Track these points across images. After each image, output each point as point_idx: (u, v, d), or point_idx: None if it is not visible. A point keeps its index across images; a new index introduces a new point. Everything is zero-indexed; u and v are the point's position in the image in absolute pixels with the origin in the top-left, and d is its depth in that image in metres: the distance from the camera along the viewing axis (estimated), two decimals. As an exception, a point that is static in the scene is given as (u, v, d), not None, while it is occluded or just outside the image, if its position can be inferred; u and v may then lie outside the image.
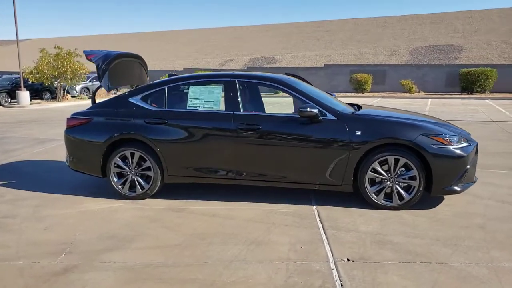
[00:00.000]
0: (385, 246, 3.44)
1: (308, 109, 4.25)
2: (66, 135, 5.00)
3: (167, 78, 5.01)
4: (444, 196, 4.60)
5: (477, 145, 4.46)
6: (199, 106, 4.67)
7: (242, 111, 4.52)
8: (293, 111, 4.98)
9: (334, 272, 3.02)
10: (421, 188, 4.18)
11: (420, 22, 48.45)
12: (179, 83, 4.87)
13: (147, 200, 4.75)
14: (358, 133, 4.21)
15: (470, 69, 22.22)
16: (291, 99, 5.08)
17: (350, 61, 36.62)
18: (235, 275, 3.01)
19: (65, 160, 5.34)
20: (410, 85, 22.65)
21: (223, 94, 4.65)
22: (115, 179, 4.78)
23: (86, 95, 23.97)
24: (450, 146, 4.14)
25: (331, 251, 3.36)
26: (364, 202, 4.41)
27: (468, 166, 4.20)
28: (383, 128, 4.23)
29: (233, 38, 55.36)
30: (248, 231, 3.82)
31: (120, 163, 4.73)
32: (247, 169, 4.52)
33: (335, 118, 4.34)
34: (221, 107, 4.62)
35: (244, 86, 4.88)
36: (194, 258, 3.30)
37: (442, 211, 4.25)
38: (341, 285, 2.84)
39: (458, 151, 4.14)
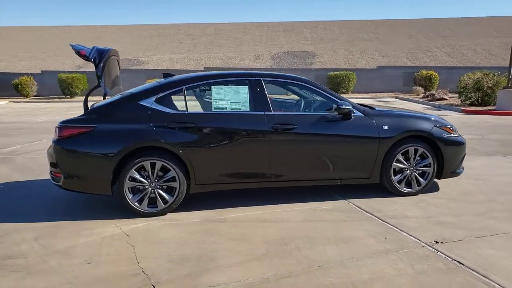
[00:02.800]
0: (447, 226, 3.85)
1: (344, 106, 4.41)
2: (59, 147, 4.11)
3: (179, 78, 4.54)
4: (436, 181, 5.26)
5: None
6: (226, 108, 4.38)
7: (272, 111, 4.42)
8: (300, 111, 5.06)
9: (441, 254, 3.27)
10: (434, 174, 4.74)
11: (275, 29, 52.35)
12: (199, 83, 4.48)
13: (171, 215, 4.25)
14: (386, 127, 4.55)
15: (336, 72, 25.11)
16: (295, 100, 5.16)
17: (218, 65, 37.46)
18: (363, 272, 3.01)
19: (52, 179, 4.36)
20: (286, 87, 24.42)
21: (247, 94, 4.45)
22: (130, 196, 4.14)
23: None
24: (454, 135, 4.80)
25: (414, 237, 3.60)
26: (381, 192, 4.79)
27: (465, 151, 4.93)
28: (405, 122, 4.66)
29: (92, 39, 50.94)
30: (318, 231, 3.80)
31: (137, 176, 4.12)
32: (283, 170, 4.44)
33: (362, 115, 4.59)
34: (248, 107, 4.42)
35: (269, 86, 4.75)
36: (301, 264, 3.16)
37: (450, 193, 4.88)
38: (462, 264, 3.09)
39: (460, 139, 4.83)
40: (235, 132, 4.29)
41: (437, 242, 3.48)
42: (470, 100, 16.13)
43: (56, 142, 4.12)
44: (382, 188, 4.87)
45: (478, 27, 48.94)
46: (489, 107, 15.17)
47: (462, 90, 16.29)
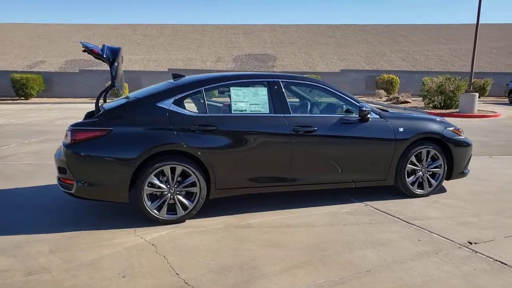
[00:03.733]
0: (471, 227, 3.94)
1: (365, 108, 4.41)
2: (72, 152, 3.79)
3: (197, 79, 4.34)
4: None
5: None
6: (245, 110, 4.24)
7: (292, 113, 4.33)
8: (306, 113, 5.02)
9: (480, 255, 3.33)
10: (444, 175, 4.86)
11: (234, 32, 52.27)
12: (217, 84, 4.31)
13: (192, 222, 4.05)
14: (401, 129, 4.60)
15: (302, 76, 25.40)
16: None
17: (179, 67, 36.84)
18: (413, 275, 3.00)
19: (61, 186, 4.00)
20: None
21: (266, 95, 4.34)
22: (149, 203, 3.89)
23: None
24: (462, 136, 4.95)
25: (447, 238, 3.64)
26: (392, 194, 4.86)
27: (471, 153, 5.10)
28: (419, 125, 4.74)
29: (34, 37, 48.36)
30: (349, 235, 3.76)
31: (156, 182, 3.89)
32: (303, 174, 4.37)
33: (379, 117, 4.62)
34: (268, 109, 4.31)
35: (287, 88, 4.64)
36: (348, 269, 3.10)
37: (458, 194, 5.02)
38: (505, 264, 3.16)
39: (467, 140, 4.98)
40: (256, 135, 4.16)
41: (470, 243, 3.55)
42: (433, 103, 16.88)
43: (69, 146, 3.80)
44: (392, 190, 4.93)
45: (428, 34, 51.52)
46: (452, 110, 15.94)
47: (426, 93, 17.02)
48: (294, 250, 3.44)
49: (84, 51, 4.40)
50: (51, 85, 24.50)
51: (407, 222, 4.05)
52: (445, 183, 5.33)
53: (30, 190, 5.13)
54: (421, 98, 18.78)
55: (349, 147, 4.47)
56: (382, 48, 45.88)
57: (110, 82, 4.84)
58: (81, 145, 3.78)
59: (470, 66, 15.65)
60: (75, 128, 3.83)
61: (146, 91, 4.37)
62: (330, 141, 4.40)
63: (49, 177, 5.73)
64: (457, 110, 15.73)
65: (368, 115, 4.48)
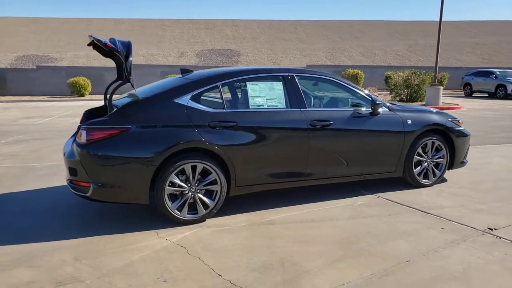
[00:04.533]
0: (483, 213, 4.10)
1: (379, 102, 4.47)
2: (88, 152, 3.57)
3: (213, 74, 4.21)
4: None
5: None
6: (263, 105, 4.17)
7: (307, 108, 4.32)
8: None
9: (505, 240, 3.46)
10: (447, 165, 5.02)
11: (196, 27, 51.55)
12: (234, 79, 4.20)
13: (213, 221, 3.95)
14: (409, 122, 4.70)
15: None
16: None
17: (140, 62, 35.87)
18: (451, 263, 3.08)
19: (73, 189, 3.76)
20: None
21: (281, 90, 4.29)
22: (170, 203, 3.75)
23: None
24: (461, 127, 5.13)
25: (468, 226, 3.77)
26: (397, 185, 4.97)
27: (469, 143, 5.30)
28: (425, 117, 4.86)
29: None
30: (375, 227, 3.80)
31: (177, 181, 3.75)
32: (319, 168, 4.36)
33: (388, 110, 4.69)
34: (284, 104, 4.26)
35: (300, 81, 4.59)
36: (388, 261, 3.13)
37: (459, 183, 5.20)
38: (530, 247, 3.31)
39: (466, 131, 5.17)
40: (275, 130, 4.11)
41: (491, 229, 3.69)
42: (400, 97, 17.48)
43: (84, 146, 3.57)
44: (395, 181, 5.04)
45: (385, 30, 53.24)
46: (418, 103, 16.57)
47: (393, 87, 17.59)
48: (326, 244, 3.43)
49: (89, 44, 4.15)
50: (4, 83, 22.99)
51: (425, 212, 4.15)
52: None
53: (25, 195, 4.79)
54: (387, 92, 19.38)
55: (362, 141, 4.52)
56: (343, 43, 46.91)
57: (118, 79, 4.62)
58: (97, 145, 3.57)
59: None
60: (90, 127, 3.60)
61: (157, 87, 4.19)
62: (345, 135, 4.42)
63: (39, 180, 5.39)
64: (423, 103, 16.37)
65: (381, 109, 4.54)
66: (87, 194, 3.64)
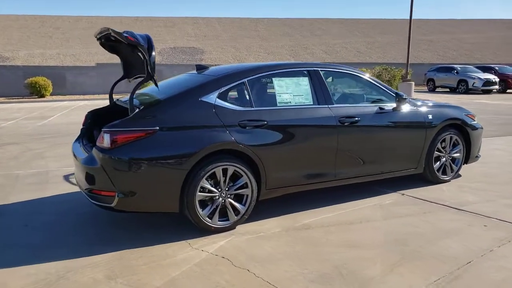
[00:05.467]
0: (514, 208, 4.07)
1: (404, 96, 4.34)
2: (112, 158, 3.17)
3: (236, 69, 3.90)
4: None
5: None
6: (290, 102, 3.92)
7: (334, 104, 4.11)
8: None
9: (549, 233, 3.42)
10: (463, 159, 4.99)
11: (155, 24, 50.21)
12: (259, 75, 3.90)
13: (243, 228, 3.67)
14: (430, 116, 4.61)
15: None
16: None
17: (102, 61, 34.43)
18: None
19: (95, 200, 3.33)
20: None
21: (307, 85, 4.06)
22: (201, 210, 3.42)
23: None
24: (475, 121, 5.11)
25: (508, 221, 3.70)
26: (414, 181, 4.86)
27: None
28: (444, 111, 4.79)
29: None
30: (415, 226, 3.67)
31: (207, 186, 3.44)
32: (347, 167, 4.17)
33: (409, 105, 4.57)
34: (311, 100, 4.03)
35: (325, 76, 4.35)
36: (448, 263, 2.99)
37: (474, 178, 5.16)
38: None
39: (479, 125, 5.16)
40: (305, 128, 3.87)
41: (532, 224, 3.64)
42: (372, 93, 17.74)
43: (108, 151, 3.17)
44: (410, 178, 4.92)
45: (345, 28, 54.29)
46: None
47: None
48: (375, 248, 3.24)
49: (99, 38, 3.73)
50: None
51: (457, 209, 4.06)
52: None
53: (22, 208, 4.27)
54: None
55: (387, 137, 4.37)
56: (304, 41, 47.33)
57: (125, 77, 4.22)
58: (123, 149, 3.18)
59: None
60: (114, 130, 3.20)
61: (177, 85, 3.84)
62: (371, 131, 4.26)
63: (30, 190, 4.85)
64: (395, 98, 16.70)
65: (404, 104, 4.42)
66: (111, 205, 3.24)
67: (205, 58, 38.98)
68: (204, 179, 3.39)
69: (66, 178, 5.37)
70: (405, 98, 4.40)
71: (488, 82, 21.40)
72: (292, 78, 4.02)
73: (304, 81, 4.05)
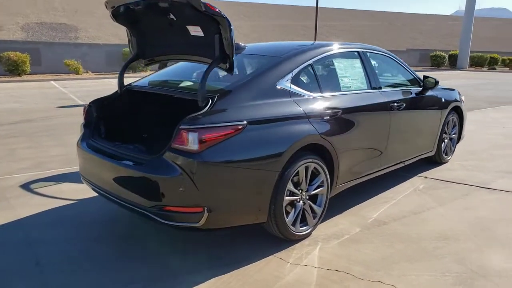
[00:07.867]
0: (528, 183, 4.39)
1: (434, 80, 4.31)
2: (203, 163, 2.40)
3: (299, 49, 3.31)
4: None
5: None
6: (350, 86, 3.54)
7: (383, 88, 3.87)
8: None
9: None
10: (458, 140, 5.25)
11: (12, -5, 43.12)
12: (323, 55, 3.38)
13: (316, 232, 3.21)
14: (443, 100, 4.69)
15: (126, 49, 23.06)
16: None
17: None
18: None
19: (171, 220, 2.49)
20: (76, 66, 20.75)
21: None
22: (286, 217, 2.89)
23: None
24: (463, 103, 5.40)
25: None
26: (420, 163, 4.94)
27: None
28: (450, 94, 4.91)
29: None
30: (481, 210, 3.67)
31: (292, 188, 2.91)
32: (393, 154, 3.99)
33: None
34: (366, 84, 3.72)
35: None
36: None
37: (462, 156, 5.43)
38: None
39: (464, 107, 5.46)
40: (369, 115, 3.58)
41: None
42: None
43: (197, 155, 2.39)
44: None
45: (230, 11, 54.18)
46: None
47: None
48: (472, 238, 3.12)
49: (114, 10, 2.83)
50: None
51: (488, 188, 4.19)
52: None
53: (33, 223, 3.09)
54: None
55: (419, 120, 4.32)
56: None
57: (138, 57, 3.36)
58: (214, 151, 2.44)
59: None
60: (200, 127, 2.42)
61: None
62: (409, 116, 4.13)
63: (27, 204, 3.59)
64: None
65: (430, 87, 4.39)
66: (197, 224, 2.47)
67: (81, 36, 35.11)
68: (290, 180, 2.84)
69: (27, 187, 4.14)
70: (437, 81, 4.37)
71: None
72: (348, 60, 3.64)
73: (357, 63, 3.70)
